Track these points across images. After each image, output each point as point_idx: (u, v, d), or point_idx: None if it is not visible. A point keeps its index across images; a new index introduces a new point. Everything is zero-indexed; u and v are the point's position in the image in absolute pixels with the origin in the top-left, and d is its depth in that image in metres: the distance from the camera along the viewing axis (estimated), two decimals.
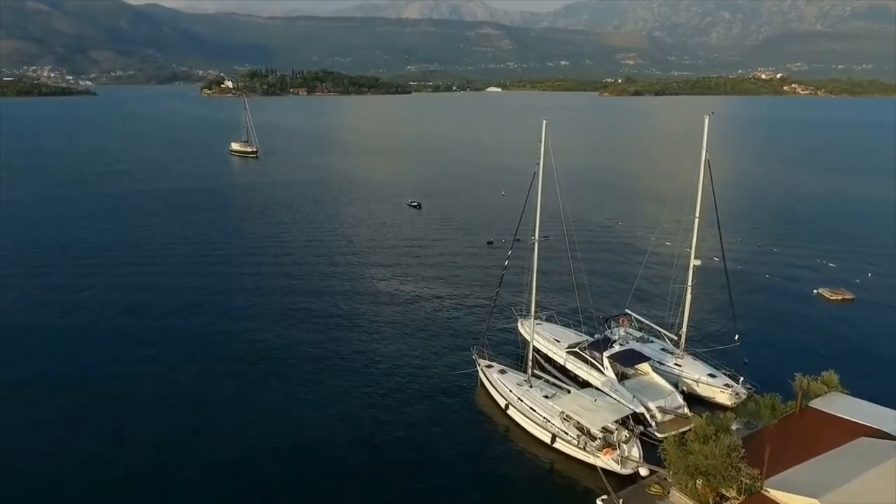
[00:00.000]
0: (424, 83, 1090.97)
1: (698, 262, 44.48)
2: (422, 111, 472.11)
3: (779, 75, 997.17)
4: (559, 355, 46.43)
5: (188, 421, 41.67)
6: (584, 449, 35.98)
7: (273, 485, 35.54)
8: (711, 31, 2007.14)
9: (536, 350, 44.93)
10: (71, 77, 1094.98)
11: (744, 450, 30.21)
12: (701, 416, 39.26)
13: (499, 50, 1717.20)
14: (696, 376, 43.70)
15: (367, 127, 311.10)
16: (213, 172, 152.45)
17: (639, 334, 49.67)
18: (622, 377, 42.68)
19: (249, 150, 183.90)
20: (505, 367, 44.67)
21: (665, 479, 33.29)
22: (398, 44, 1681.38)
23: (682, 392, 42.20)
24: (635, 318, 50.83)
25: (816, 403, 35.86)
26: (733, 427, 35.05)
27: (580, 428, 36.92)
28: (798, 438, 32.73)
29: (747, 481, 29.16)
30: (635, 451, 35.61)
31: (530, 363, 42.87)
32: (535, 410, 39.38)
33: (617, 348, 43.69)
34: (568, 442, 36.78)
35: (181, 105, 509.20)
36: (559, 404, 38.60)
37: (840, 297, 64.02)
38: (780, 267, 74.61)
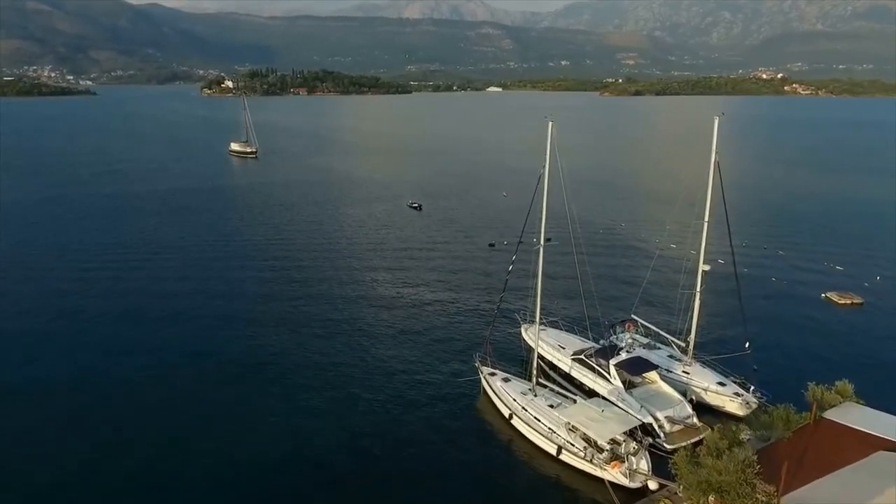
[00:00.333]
0: (425, 83, 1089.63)
1: (707, 268, 43.31)
2: (422, 111, 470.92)
3: (780, 75, 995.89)
4: (564, 362, 45.28)
5: (186, 426, 40.76)
6: (590, 461, 34.83)
7: (271, 492, 34.67)
8: (712, 30, 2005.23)
9: (541, 357, 43.80)
10: (71, 77, 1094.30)
11: (758, 465, 29.08)
12: (711, 427, 38.29)
13: (499, 50, 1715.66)
14: (705, 385, 42.51)
15: (367, 127, 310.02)
16: (213, 173, 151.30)
17: (645, 340, 48.52)
18: (629, 385, 41.53)
19: (249, 150, 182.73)
20: (508, 375, 43.50)
21: (675, 493, 32.18)
22: (398, 44, 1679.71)
23: (690, 401, 41.02)
24: (641, 323, 49.67)
25: (831, 415, 34.71)
26: (744, 438, 33.96)
27: (587, 439, 35.76)
28: (814, 452, 31.58)
29: (763, 498, 27.98)
30: (644, 464, 34.46)
31: (535, 371, 41.67)
32: (539, 421, 38.23)
33: (624, 356, 42.45)
34: (574, 454, 35.63)
35: (181, 105, 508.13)
36: (565, 415, 37.43)
37: (849, 302, 62.82)
38: (785, 270, 73.40)
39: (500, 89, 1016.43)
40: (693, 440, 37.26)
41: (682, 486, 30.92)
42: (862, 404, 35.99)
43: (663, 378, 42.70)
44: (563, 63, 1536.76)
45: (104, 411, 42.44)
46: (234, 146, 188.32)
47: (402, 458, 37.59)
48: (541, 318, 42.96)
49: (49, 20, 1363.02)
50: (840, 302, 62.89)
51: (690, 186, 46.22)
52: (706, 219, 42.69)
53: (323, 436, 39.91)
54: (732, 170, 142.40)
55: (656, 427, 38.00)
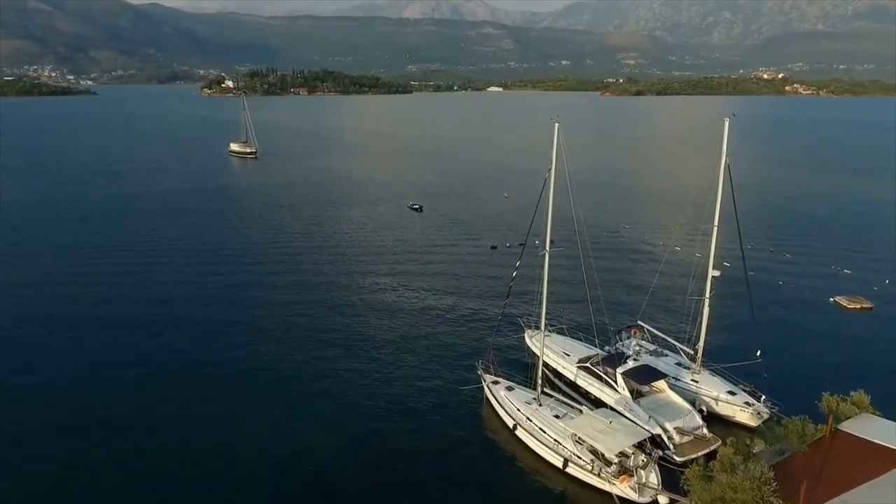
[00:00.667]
0: (425, 83, 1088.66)
1: (717, 273, 42.04)
2: (422, 111, 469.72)
3: (780, 75, 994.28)
4: (569, 370, 43.98)
5: (182, 433, 39.81)
6: (598, 475, 33.66)
7: (270, 500, 33.89)
8: (713, 30, 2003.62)
9: (545, 364, 42.54)
10: (72, 77, 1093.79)
11: (775, 481, 27.92)
12: (721, 438, 37.12)
13: (500, 50, 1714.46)
14: (715, 394, 41.28)
15: (367, 127, 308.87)
16: (212, 174, 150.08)
17: (652, 347, 47.30)
18: (637, 395, 40.26)
19: (248, 150, 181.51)
20: (512, 384, 42.29)
21: None
22: (399, 43, 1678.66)
23: (700, 411, 39.76)
24: (648, 329, 48.49)
25: (847, 427, 33.55)
26: (756, 450, 32.79)
27: (594, 452, 34.57)
28: (831, 467, 30.42)
29: None
30: (653, 478, 33.28)
31: (540, 380, 40.46)
32: (545, 432, 37.02)
33: (631, 364, 41.15)
34: (581, 467, 34.46)
35: (181, 105, 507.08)
36: (571, 426, 36.22)
37: (858, 306, 61.60)
38: (792, 273, 72.00)
39: (500, 89, 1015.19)
40: (703, 452, 36.12)
41: (694, 503, 29.78)
42: (878, 415, 34.85)
43: (671, 387, 41.47)
44: (564, 63, 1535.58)
45: (101, 417, 41.46)
46: (234, 146, 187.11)
47: (402, 469, 36.47)
48: (545, 325, 41.78)
49: (49, 20, 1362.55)
50: (849, 306, 61.67)
51: (696, 188, 45.12)
52: (716, 222, 41.42)
53: (322, 443, 38.87)
54: (736, 170, 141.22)
55: (665, 438, 36.78)
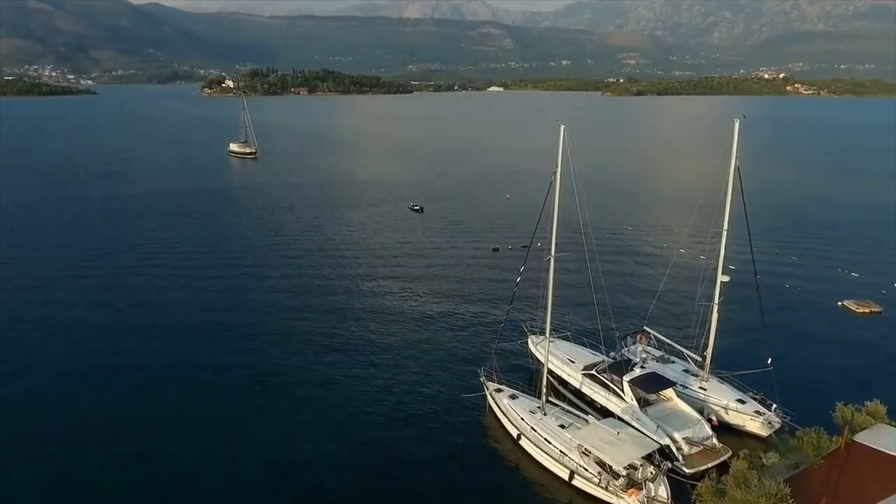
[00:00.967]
0: (426, 83, 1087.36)
1: (727, 279, 40.93)
2: (423, 111, 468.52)
3: (781, 75, 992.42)
4: (574, 377, 42.94)
5: (180, 440, 38.94)
6: (606, 488, 32.59)
7: None
8: (713, 30, 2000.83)
9: (549, 371, 41.44)
10: (72, 76, 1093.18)
11: (791, 497, 26.88)
12: (731, 449, 36.15)
13: (500, 49, 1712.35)
14: (724, 402, 40.15)
15: (367, 127, 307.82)
16: (211, 174, 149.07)
17: (658, 353, 46.16)
18: (644, 403, 39.19)
19: (248, 151, 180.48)
20: (516, 392, 41.15)
21: None
22: (399, 43, 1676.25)
23: (708, 420, 38.66)
24: (654, 335, 47.34)
25: (863, 438, 32.52)
26: (770, 463, 31.73)
27: (601, 464, 33.49)
28: (848, 482, 29.38)
29: None
30: (663, 491, 32.16)
31: (544, 389, 39.36)
32: (550, 442, 35.95)
33: (638, 372, 40.03)
34: (588, 480, 33.37)
35: (181, 105, 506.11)
36: (577, 437, 35.11)
37: (867, 310, 60.48)
38: (798, 277, 70.69)
39: (501, 89, 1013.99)
40: (713, 463, 35.06)
41: None
42: (894, 426, 33.81)
43: (679, 395, 40.41)
44: (565, 63, 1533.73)
45: (98, 422, 40.66)
46: (234, 147, 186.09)
47: (403, 479, 35.50)
48: (546, 326, 40.65)
49: (50, 19, 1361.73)
50: (858, 310, 60.56)
51: (703, 190, 44.06)
52: (725, 227, 40.29)
53: (322, 451, 37.92)
54: (741, 172, 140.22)
55: (674, 449, 35.68)
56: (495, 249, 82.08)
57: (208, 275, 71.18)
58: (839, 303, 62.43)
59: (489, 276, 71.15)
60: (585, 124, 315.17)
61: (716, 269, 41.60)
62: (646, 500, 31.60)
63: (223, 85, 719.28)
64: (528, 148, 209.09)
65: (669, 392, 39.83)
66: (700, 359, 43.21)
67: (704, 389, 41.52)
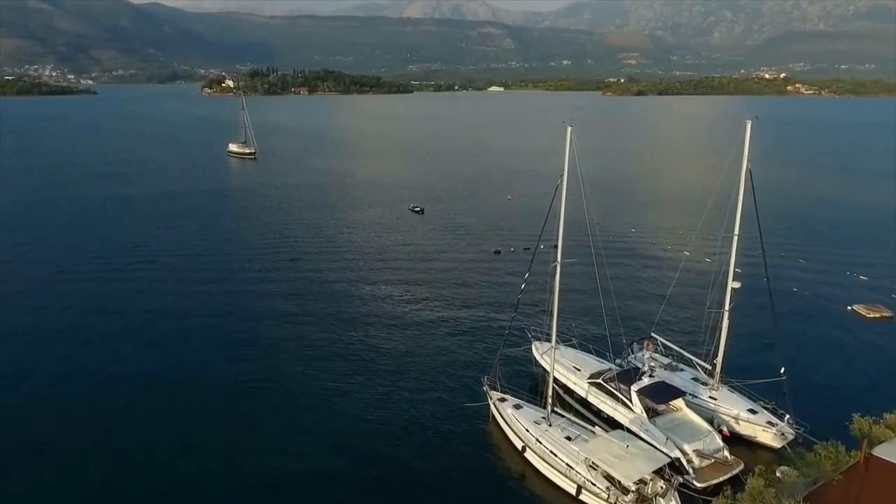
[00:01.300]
0: (426, 83, 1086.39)
1: (738, 285, 39.67)
2: (423, 111, 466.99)
3: (782, 75, 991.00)
4: (580, 386, 41.67)
5: (177, 446, 38.22)
6: None
7: None
8: (714, 30, 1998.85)
9: (554, 380, 40.16)
10: (72, 76, 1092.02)
11: None
12: (743, 461, 34.91)
13: (501, 49, 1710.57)
14: (735, 412, 38.90)
15: (368, 127, 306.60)
16: (210, 175, 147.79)
17: (666, 360, 44.87)
18: (652, 413, 37.92)
19: (247, 151, 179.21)
20: (520, 402, 39.87)
21: None
22: (400, 43, 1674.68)
23: (719, 431, 37.42)
24: (662, 342, 46.09)
25: (881, 452, 31.22)
26: (787, 480, 30.48)
27: (609, 478, 32.27)
28: (868, 498, 28.13)
29: None
30: None
31: (550, 399, 38.07)
32: (556, 455, 34.69)
33: (646, 381, 38.71)
34: (596, 495, 32.16)
35: (181, 104, 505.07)
36: (585, 450, 33.84)
37: (878, 315, 59.22)
38: (806, 281, 69.14)
39: (501, 89, 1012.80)
40: (725, 477, 33.81)
41: None
42: None
43: (688, 405, 39.15)
44: (565, 63, 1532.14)
45: (93, 429, 39.79)
46: (233, 147, 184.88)
47: (403, 491, 34.42)
48: (551, 335, 39.39)
49: (50, 19, 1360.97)
50: (868, 315, 59.29)
51: (712, 192, 42.84)
52: (736, 231, 39.09)
53: (320, 462, 36.88)
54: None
55: (684, 462, 34.43)
56: (497, 252, 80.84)
57: (206, 278, 69.92)
58: (848, 307, 61.19)
59: (491, 279, 69.85)
60: (588, 125, 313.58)
61: (726, 273, 40.39)
62: None
63: (223, 85, 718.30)
64: (529, 148, 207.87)
65: (679, 402, 38.59)
66: (709, 367, 41.97)
67: (714, 399, 40.30)
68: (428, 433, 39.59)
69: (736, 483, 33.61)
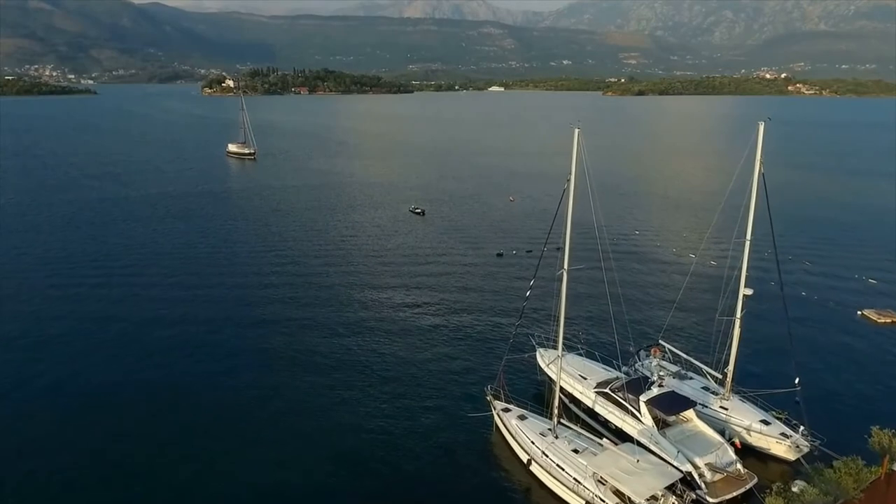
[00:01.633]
0: (426, 82, 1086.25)
1: (750, 292, 38.43)
2: (424, 111, 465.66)
3: (783, 75, 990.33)
4: (586, 396, 40.38)
5: (175, 453, 37.34)
6: None
7: None
8: (714, 30, 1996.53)
9: (561, 390, 38.91)
10: (73, 76, 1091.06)
11: None
12: (756, 475, 33.67)
13: (501, 49, 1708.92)
14: (747, 423, 37.60)
15: (368, 127, 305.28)
16: (208, 176, 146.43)
17: (674, 368, 43.61)
18: (662, 424, 36.63)
19: (247, 151, 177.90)
20: (525, 412, 38.59)
21: None
22: (400, 43, 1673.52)
23: (731, 443, 36.13)
24: (670, 349, 44.84)
25: None
26: (807, 498, 29.22)
27: (619, 494, 31.00)
28: None
29: None
30: None
31: (556, 410, 36.81)
32: (563, 469, 33.44)
33: (655, 391, 37.37)
34: None
35: (180, 104, 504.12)
36: (593, 464, 32.54)
37: (889, 320, 57.92)
38: (813, 285, 67.48)
39: (501, 89, 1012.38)
40: (739, 492, 32.60)
41: None
42: None
43: (699, 415, 37.87)
44: (565, 62, 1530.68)
45: (85, 441, 38.65)
46: (232, 147, 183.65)
47: None
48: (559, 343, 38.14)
49: (50, 19, 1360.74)
50: (879, 320, 58.00)
51: (721, 194, 41.57)
52: (748, 236, 37.80)
53: (319, 474, 35.77)
54: (742, 170, 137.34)
55: (696, 476, 33.12)
56: (499, 255, 79.59)
57: (203, 283, 68.64)
58: (858, 312, 59.93)
59: (494, 283, 68.55)
60: (591, 125, 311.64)
61: (737, 279, 39.09)
62: None
63: (224, 84, 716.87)
64: (530, 148, 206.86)
65: (689, 412, 37.30)
66: (720, 375, 40.71)
67: (725, 409, 39.03)
68: (430, 444, 38.35)
69: (750, 498, 32.49)
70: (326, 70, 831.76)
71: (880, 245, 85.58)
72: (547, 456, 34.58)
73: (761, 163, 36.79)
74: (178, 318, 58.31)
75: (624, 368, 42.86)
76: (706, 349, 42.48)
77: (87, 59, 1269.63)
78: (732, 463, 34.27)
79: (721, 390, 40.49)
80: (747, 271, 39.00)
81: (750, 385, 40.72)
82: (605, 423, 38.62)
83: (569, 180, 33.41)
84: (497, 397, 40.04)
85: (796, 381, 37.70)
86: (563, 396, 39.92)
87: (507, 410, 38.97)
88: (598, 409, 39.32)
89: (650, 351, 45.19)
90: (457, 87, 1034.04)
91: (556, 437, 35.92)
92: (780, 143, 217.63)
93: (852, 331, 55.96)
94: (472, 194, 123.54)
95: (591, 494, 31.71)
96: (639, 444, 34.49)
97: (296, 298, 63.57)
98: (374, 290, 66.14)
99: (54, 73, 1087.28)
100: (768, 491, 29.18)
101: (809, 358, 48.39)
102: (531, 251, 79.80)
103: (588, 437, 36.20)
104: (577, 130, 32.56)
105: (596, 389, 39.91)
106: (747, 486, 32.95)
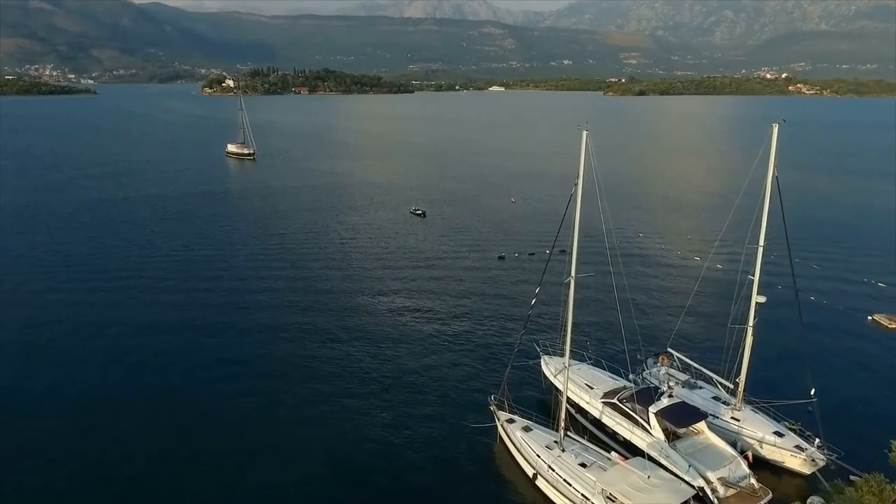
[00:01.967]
0: (427, 82, 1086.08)
1: (763, 299, 37.10)
2: (424, 111, 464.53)
3: (784, 75, 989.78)
4: (593, 406, 39.06)
5: (168, 464, 36.22)
6: None
7: None
8: (715, 30, 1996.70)
9: (567, 400, 37.58)
10: (73, 75, 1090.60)
11: None
12: (770, 490, 32.41)
13: (501, 49, 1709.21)
14: (760, 435, 36.26)
15: (368, 127, 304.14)
16: (207, 176, 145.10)
17: (683, 377, 42.32)
18: (672, 437, 35.32)
19: (246, 152, 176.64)
20: (529, 423, 37.24)
21: None
22: (401, 43, 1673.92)
23: (744, 456, 34.79)
24: (678, 357, 43.52)
25: None
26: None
27: None
28: None
29: None
30: None
31: (563, 422, 35.50)
32: (570, 485, 32.14)
33: (665, 402, 36.04)
34: None
35: (180, 104, 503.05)
36: (602, 480, 31.24)
37: None
38: (820, 289, 65.65)
39: (502, 89, 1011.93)
40: None
41: None
42: None
43: (710, 426, 36.55)
44: (566, 62, 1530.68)
45: (76, 451, 37.41)
46: (231, 148, 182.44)
47: None
48: (564, 353, 36.81)
49: (51, 19, 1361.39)
50: (890, 326, 56.64)
51: (729, 195, 40.23)
52: (761, 242, 36.50)
53: (315, 485, 34.57)
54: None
55: (709, 492, 31.82)
56: (501, 257, 78.30)
57: (200, 287, 67.17)
58: (869, 317, 58.60)
59: (496, 288, 67.17)
60: (593, 125, 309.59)
61: (749, 285, 37.77)
62: None
63: (224, 84, 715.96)
64: (531, 149, 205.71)
65: (700, 424, 36.00)
66: (731, 385, 39.38)
67: (737, 420, 37.70)
68: (431, 455, 37.06)
69: None
70: (327, 70, 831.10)
71: (887, 248, 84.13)
72: (553, 470, 33.28)
73: (775, 166, 35.47)
74: (175, 322, 57.03)
75: (631, 376, 41.59)
76: (716, 357, 41.15)
77: (88, 58, 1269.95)
78: (746, 477, 33.00)
79: (732, 400, 39.19)
80: (760, 277, 37.73)
81: (761, 394, 39.37)
82: (613, 435, 37.32)
83: (576, 184, 32.09)
84: (501, 407, 38.72)
85: (812, 392, 36.37)
86: (569, 407, 38.64)
87: (511, 421, 37.65)
88: (605, 420, 38.02)
89: (658, 358, 43.90)
90: (457, 87, 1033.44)
91: (563, 451, 34.60)
92: (782, 143, 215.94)
93: (864, 337, 54.59)
94: (473, 195, 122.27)
95: None
96: (649, 458, 33.23)
97: (295, 302, 62.29)
98: (374, 294, 64.85)
99: (54, 73, 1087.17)
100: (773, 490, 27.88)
101: (821, 365, 46.85)
102: (534, 254, 78.56)
103: (596, 451, 34.87)
104: (584, 132, 31.21)
105: (603, 399, 38.60)
106: (762, 502, 31.71)
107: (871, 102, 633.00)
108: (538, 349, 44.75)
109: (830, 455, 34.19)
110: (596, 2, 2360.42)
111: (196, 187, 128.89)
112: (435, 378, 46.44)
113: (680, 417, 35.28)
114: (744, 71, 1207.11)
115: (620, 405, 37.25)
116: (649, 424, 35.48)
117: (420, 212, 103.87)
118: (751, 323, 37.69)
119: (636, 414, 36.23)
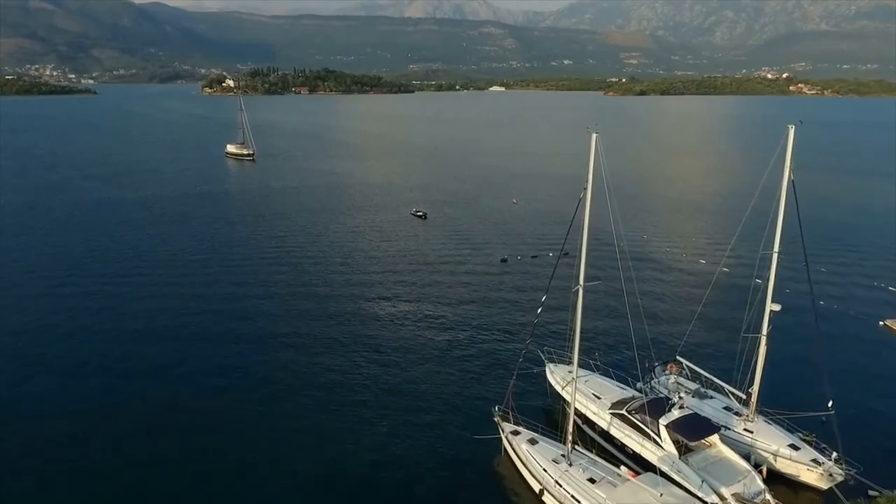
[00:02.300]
0: (427, 82, 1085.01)
1: (778, 307, 35.82)
2: (424, 111, 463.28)
3: (784, 75, 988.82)
4: (601, 417, 37.76)
5: (166, 473, 35.23)
6: None
7: None
8: (715, 30, 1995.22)
9: (575, 411, 36.29)
10: (73, 75, 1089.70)
11: None
12: None
13: (502, 49, 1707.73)
14: (775, 448, 34.95)
15: (368, 127, 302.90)
16: (206, 177, 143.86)
17: (693, 386, 41.05)
18: (684, 450, 34.03)
19: (246, 152, 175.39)
20: (535, 436, 35.94)
21: None
22: (401, 43, 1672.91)
23: (758, 470, 33.52)
24: (688, 366, 42.23)
25: None
26: None
27: None
28: None
29: None
30: None
31: (570, 436, 34.22)
32: (579, 502, 30.85)
33: (677, 413, 34.75)
34: None
35: (181, 104, 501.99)
36: (612, 498, 29.96)
37: None
38: (829, 294, 64.02)
39: (502, 89, 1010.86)
40: None
41: None
42: None
43: (722, 439, 35.26)
44: (566, 62, 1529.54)
45: (77, 452, 36.70)
46: (231, 148, 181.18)
47: None
48: (571, 363, 35.53)
49: (51, 19, 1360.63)
50: None
51: (746, 201, 39.01)
52: (776, 248, 35.22)
53: (315, 496, 33.63)
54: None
55: None
56: (504, 260, 76.99)
57: (198, 292, 65.82)
58: (881, 322, 57.28)
59: (499, 292, 65.73)
60: (593, 125, 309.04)
61: (763, 291, 36.45)
62: None
63: (224, 84, 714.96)
64: (532, 149, 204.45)
65: (713, 437, 34.71)
66: (743, 395, 38.07)
67: (750, 432, 36.38)
68: (432, 468, 35.79)
69: None
70: (327, 70, 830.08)
71: (894, 250, 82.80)
72: (561, 486, 31.98)
73: (791, 170, 34.19)
74: (173, 326, 55.85)
75: (639, 385, 40.31)
76: (727, 365, 39.96)
77: (88, 58, 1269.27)
78: (761, 493, 31.68)
79: (744, 411, 37.89)
80: (766, 282, 36.43)
81: (773, 405, 38.05)
82: (623, 448, 36.03)
83: (585, 188, 30.80)
84: (506, 418, 37.41)
85: (829, 403, 35.06)
86: (576, 419, 37.38)
87: (516, 433, 36.36)
88: (613, 432, 36.70)
89: (666, 367, 42.64)
90: (457, 87, 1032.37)
91: (571, 465, 33.30)
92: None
93: (876, 343, 53.28)
94: (475, 196, 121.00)
95: None
96: (662, 474, 31.93)
97: (294, 307, 61.00)
98: (375, 299, 63.53)
99: (55, 73, 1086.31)
100: None
101: (834, 374, 45.38)
102: (536, 256, 77.31)
103: (605, 465, 33.58)
104: (594, 135, 29.92)
105: (611, 410, 37.26)
106: None
107: (871, 102, 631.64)
108: (543, 357, 43.44)
109: (849, 469, 32.88)
110: (596, 2, 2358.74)
111: (195, 188, 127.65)
112: (437, 386, 45.17)
113: (692, 430, 33.99)
114: (744, 71, 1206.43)
115: (630, 417, 35.93)
116: (660, 437, 34.19)
117: (421, 213, 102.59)
118: (765, 331, 36.43)
119: (646, 426, 34.92)
